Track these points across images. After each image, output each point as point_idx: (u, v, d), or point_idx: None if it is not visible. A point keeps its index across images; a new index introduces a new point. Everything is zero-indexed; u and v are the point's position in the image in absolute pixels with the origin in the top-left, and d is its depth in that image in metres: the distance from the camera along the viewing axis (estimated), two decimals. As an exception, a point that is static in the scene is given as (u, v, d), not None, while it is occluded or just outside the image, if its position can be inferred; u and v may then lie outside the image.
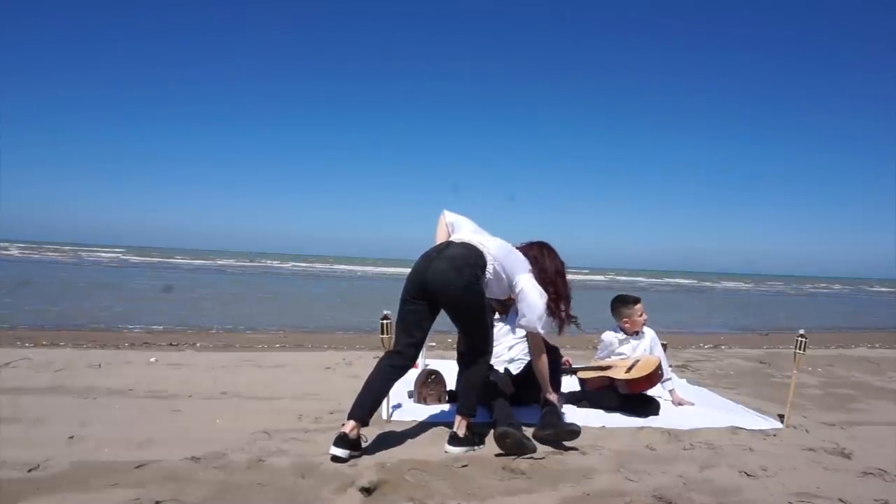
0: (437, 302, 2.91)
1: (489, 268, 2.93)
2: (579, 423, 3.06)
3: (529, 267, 3.08)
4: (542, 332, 3.01)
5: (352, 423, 2.76)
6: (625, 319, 3.96)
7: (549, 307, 3.04)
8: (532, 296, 2.98)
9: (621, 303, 4.02)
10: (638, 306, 3.96)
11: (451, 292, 2.85)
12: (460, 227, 3.17)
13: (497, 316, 3.77)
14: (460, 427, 2.95)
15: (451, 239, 3.06)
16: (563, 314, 3.13)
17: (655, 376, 3.67)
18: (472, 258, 2.91)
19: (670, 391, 4.00)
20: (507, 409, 3.11)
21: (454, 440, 2.92)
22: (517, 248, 3.17)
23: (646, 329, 4.03)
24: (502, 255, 3.01)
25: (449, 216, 3.23)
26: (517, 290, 3.02)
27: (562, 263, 3.22)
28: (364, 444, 2.81)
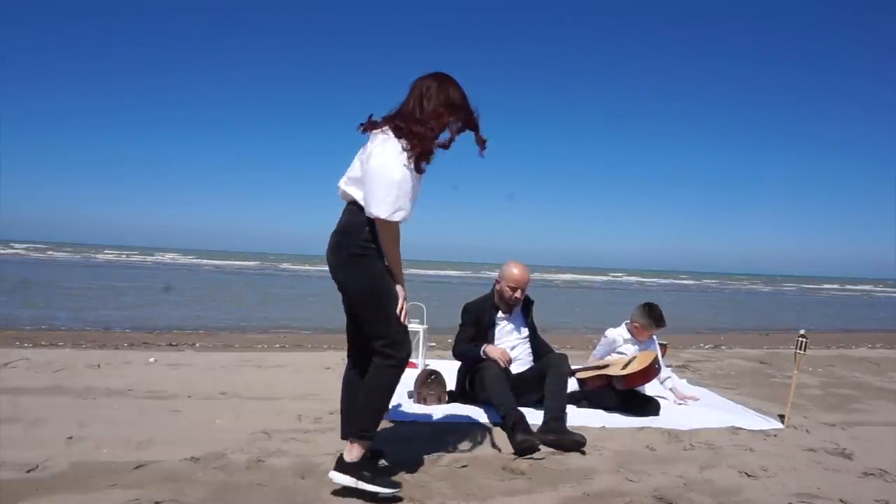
0: None
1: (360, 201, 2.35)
2: (579, 423, 3.04)
3: (388, 137, 2.33)
4: (388, 217, 2.27)
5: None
6: (636, 325, 3.95)
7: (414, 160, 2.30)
8: (374, 170, 2.29)
9: (647, 312, 3.94)
10: (654, 330, 3.95)
11: (334, 276, 2.44)
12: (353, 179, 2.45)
13: (500, 315, 3.77)
14: (351, 451, 2.34)
15: None
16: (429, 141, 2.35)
17: (652, 370, 3.67)
18: (343, 225, 2.42)
19: (671, 389, 4.00)
20: (517, 413, 3.08)
21: (340, 465, 2.33)
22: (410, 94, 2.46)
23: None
24: (362, 166, 2.38)
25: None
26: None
27: (462, 96, 2.45)
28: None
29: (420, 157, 2.33)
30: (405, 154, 2.30)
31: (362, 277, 2.38)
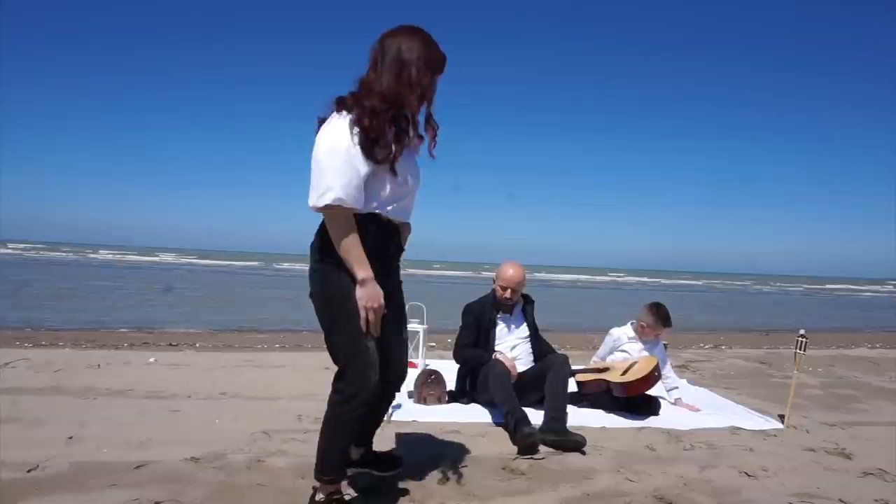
0: None
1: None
2: (579, 423, 3.04)
3: (331, 118, 1.95)
4: (316, 203, 1.87)
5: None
6: (643, 324, 3.93)
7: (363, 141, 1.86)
8: (315, 156, 1.89)
9: (654, 311, 3.91)
10: (660, 329, 3.91)
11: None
12: None
13: (500, 315, 3.77)
14: (319, 490, 2.12)
15: None
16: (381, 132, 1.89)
17: (652, 378, 3.66)
18: (314, 237, 2.07)
19: (676, 399, 3.97)
20: (520, 411, 3.09)
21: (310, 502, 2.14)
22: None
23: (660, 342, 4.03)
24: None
25: None
26: None
27: (424, 57, 1.97)
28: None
29: (367, 128, 1.87)
30: (343, 127, 1.87)
31: (319, 292, 2.01)
